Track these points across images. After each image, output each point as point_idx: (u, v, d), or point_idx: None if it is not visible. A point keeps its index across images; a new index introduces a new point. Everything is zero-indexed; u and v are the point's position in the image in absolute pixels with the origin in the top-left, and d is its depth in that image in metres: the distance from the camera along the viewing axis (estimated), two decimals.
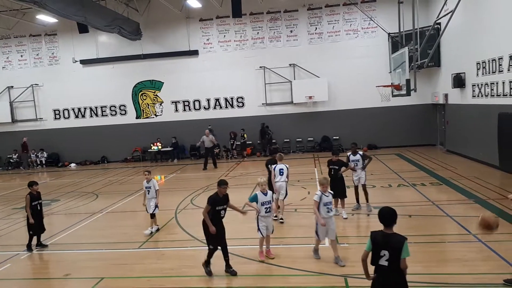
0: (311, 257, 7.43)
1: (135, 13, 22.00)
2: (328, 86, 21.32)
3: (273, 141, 22.45)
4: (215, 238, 6.89)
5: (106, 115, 24.09)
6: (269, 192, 7.62)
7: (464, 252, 7.24)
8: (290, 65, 22.02)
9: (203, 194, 13.58)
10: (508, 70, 12.89)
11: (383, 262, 4.37)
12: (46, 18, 21.65)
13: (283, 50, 22.16)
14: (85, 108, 24.18)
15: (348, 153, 10.30)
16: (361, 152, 10.27)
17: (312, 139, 22.46)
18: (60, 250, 8.96)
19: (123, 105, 23.89)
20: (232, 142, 22.38)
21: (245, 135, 22.04)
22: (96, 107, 24.12)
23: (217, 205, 7.03)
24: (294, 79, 21.96)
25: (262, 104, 22.52)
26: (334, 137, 22.16)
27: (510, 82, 12.81)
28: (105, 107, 24.04)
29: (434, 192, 11.73)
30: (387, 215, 4.54)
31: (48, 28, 23.64)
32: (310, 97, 21.28)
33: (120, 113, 24.00)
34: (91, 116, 24.21)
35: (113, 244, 9.02)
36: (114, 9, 19.69)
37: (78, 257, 8.43)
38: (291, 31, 22.13)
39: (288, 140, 22.60)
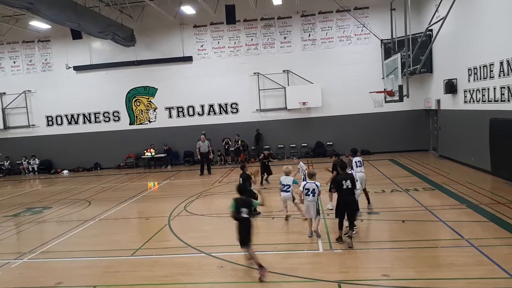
0: (305, 263, 7.43)
1: (129, 20, 22.01)
2: (322, 92, 21.44)
3: (266, 146, 22.49)
4: None
5: (100, 122, 24.00)
6: None
7: (457, 257, 7.26)
8: (284, 71, 22.12)
9: (197, 200, 13.55)
10: (499, 76, 13.05)
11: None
12: (39, 25, 21.59)
13: (277, 57, 22.27)
14: (78, 115, 24.08)
15: None
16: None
17: (306, 144, 22.52)
18: (52, 258, 8.86)
19: (117, 112, 23.83)
20: (226, 148, 22.36)
21: (239, 141, 22.00)
22: (89, 114, 24.03)
23: None
24: (288, 85, 22.05)
25: (256, 110, 22.57)
26: (328, 143, 22.24)
27: (501, 88, 12.96)
28: (99, 113, 23.96)
29: (427, 197, 11.78)
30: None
31: (41, 34, 23.58)
32: (304, 103, 21.38)
33: (114, 120, 23.92)
34: (84, 122, 24.11)
35: (105, 251, 8.95)
36: (108, 15, 19.68)
37: (70, 265, 8.34)
38: (284, 38, 22.25)
39: (282, 146, 22.65)
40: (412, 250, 7.66)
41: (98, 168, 23.95)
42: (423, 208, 10.56)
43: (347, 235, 8.13)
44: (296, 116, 22.24)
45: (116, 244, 9.36)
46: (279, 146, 22.66)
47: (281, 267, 7.25)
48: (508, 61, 12.44)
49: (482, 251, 7.31)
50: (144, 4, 21.18)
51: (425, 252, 7.58)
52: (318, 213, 8.60)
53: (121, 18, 21.50)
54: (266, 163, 15.40)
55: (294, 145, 22.62)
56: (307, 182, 8.68)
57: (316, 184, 8.53)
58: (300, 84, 21.91)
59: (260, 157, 16.33)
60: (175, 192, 15.25)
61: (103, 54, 23.40)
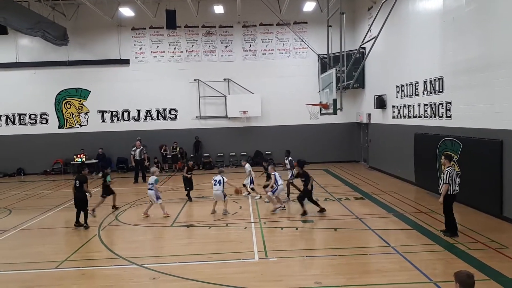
0: (240, 272, 7.40)
1: (62, 18, 20.78)
2: (262, 102, 21.76)
3: (205, 154, 22.31)
4: None
5: (25, 124, 22.29)
6: None
7: (383, 263, 7.66)
8: (224, 79, 22.16)
9: (130, 209, 13.03)
10: (423, 94, 14.13)
11: None
12: None
13: (218, 65, 22.26)
14: (0, 116, 22.19)
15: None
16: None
17: (245, 153, 22.63)
18: None
19: (45, 114, 22.30)
20: (164, 155, 21.77)
21: (178, 148, 21.55)
22: (13, 115, 22.24)
23: None
24: (229, 93, 22.11)
25: (196, 117, 22.34)
26: (267, 152, 22.55)
27: (425, 105, 14.03)
28: (24, 115, 22.26)
29: (358, 206, 12.36)
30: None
31: None
32: (244, 112, 21.56)
33: (41, 122, 22.35)
34: (7, 124, 22.26)
35: (26, 264, 8.26)
36: (38, 11, 18.43)
37: None
38: (226, 46, 22.34)
39: (222, 154, 22.58)
40: (343, 258, 7.96)
41: (22, 174, 22.17)
42: (354, 216, 11.06)
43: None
44: (236, 124, 22.33)
45: (38, 256, 8.68)
46: (219, 154, 22.57)
47: (216, 278, 7.17)
48: (431, 80, 13.52)
49: (406, 257, 7.78)
50: (79, 2, 20.17)
51: (355, 259, 7.91)
52: (225, 196, 11.55)
53: (53, 16, 20.24)
54: (189, 176, 13.70)
55: (234, 154, 22.65)
56: (216, 175, 11.61)
57: (222, 177, 11.54)
58: (241, 93, 22.07)
59: (187, 167, 13.85)
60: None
61: (32, 52, 21.85)
